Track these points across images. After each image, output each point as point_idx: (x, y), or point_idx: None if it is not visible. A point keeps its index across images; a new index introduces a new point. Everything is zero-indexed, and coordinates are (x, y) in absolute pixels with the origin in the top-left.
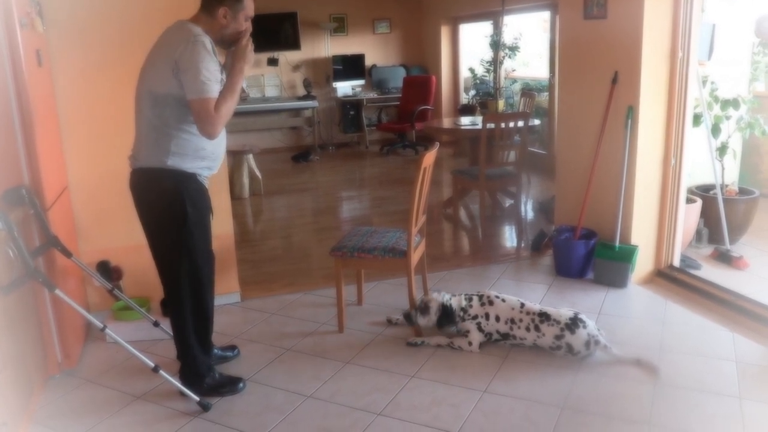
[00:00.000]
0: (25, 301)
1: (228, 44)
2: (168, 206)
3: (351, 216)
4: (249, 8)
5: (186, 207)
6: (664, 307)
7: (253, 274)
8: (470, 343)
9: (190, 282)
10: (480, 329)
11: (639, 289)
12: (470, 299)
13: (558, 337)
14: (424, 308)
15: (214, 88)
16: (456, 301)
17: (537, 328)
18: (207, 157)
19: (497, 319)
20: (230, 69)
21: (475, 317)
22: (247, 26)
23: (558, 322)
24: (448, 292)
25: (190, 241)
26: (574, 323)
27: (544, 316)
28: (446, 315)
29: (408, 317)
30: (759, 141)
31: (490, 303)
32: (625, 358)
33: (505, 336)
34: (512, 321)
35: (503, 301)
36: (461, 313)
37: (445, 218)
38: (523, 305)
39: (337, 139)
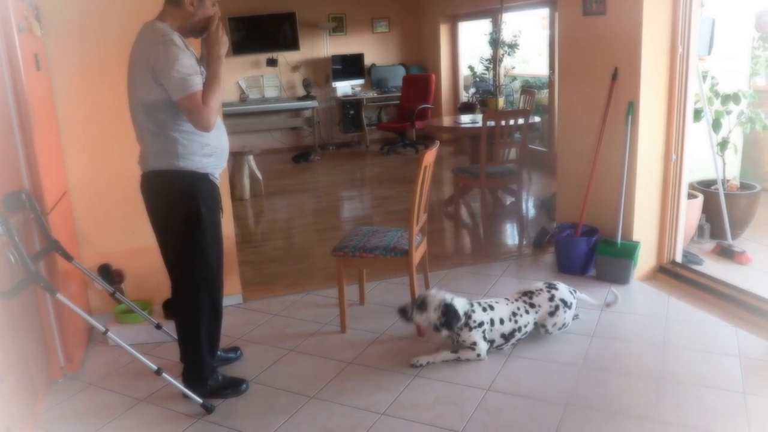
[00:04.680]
0: (27, 306)
1: (199, 32)
2: (182, 207)
3: (352, 216)
4: None
5: (200, 207)
6: (667, 302)
7: (255, 275)
8: (479, 355)
9: (205, 282)
10: (484, 338)
11: (641, 285)
12: (471, 304)
13: (551, 299)
14: (421, 304)
15: (196, 81)
16: (460, 303)
17: (532, 305)
18: (213, 153)
19: (501, 321)
20: (207, 57)
21: (480, 324)
22: (215, 11)
23: (541, 290)
24: (448, 292)
25: (204, 240)
26: (549, 284)
27: (528, 293)
28: (450, 314)
29: (403, 312)
30: (760, 135)
31: (491, 308)
32: (595, 302)
33: (509, 336)
34: (513, 314)
35: (497, 302)
36: (464, 318)
37: (446, 217)
38: (507, 299)
39: (337, 138)
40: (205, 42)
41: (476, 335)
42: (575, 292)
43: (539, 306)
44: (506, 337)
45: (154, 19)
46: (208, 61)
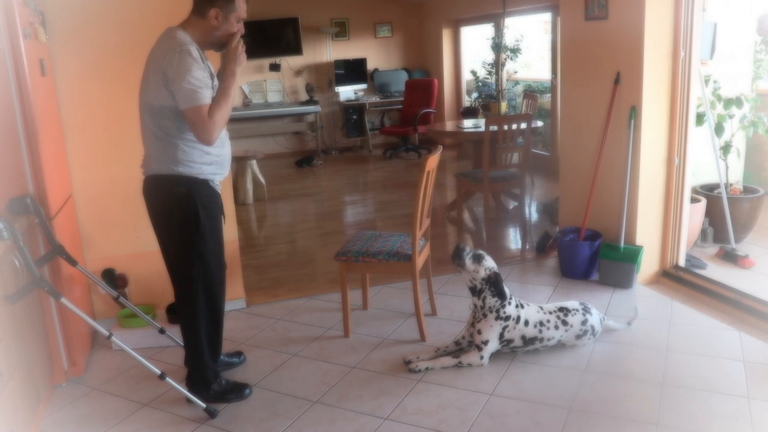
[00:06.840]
0: (31, 310)
1: (219, 47)
2: (181, 211)
3: (355, 220)
4: (241, 10)
5: (198, 212)
6: (670, 307)
7: (258, 279)
8: (482, 357)
9: (204, 287)
10: (501, 335)
11: (644, 289)
12: (511, 296)
13: (584, 323)
14: (478, 256)
15: (205, 95)
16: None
17: (564, 323)
18: (214, 162)
19: (526, 323)
20: (222, 72)
21: (507, 318)
22: (238, 28)
23: (578, 310)
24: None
25: (202, 245)
26: (585, 306)
27: (564, 310)
28: (496, 283)
29: (460, 251)
30: (762, 139)
31: (522, 306)
32: (620, 327)
33: (530, 341)
34: (541, 323)
35: (529, 305)
36: (501, 300)
37: (449, 221)
38: (541, 307)
39: (340, 143)
40: (222, 57)
41: (495, 330)
42: (604, 319)
43: (571, 326)
44: (525, 341)
45: (176, 27)
46: (222, 75)
